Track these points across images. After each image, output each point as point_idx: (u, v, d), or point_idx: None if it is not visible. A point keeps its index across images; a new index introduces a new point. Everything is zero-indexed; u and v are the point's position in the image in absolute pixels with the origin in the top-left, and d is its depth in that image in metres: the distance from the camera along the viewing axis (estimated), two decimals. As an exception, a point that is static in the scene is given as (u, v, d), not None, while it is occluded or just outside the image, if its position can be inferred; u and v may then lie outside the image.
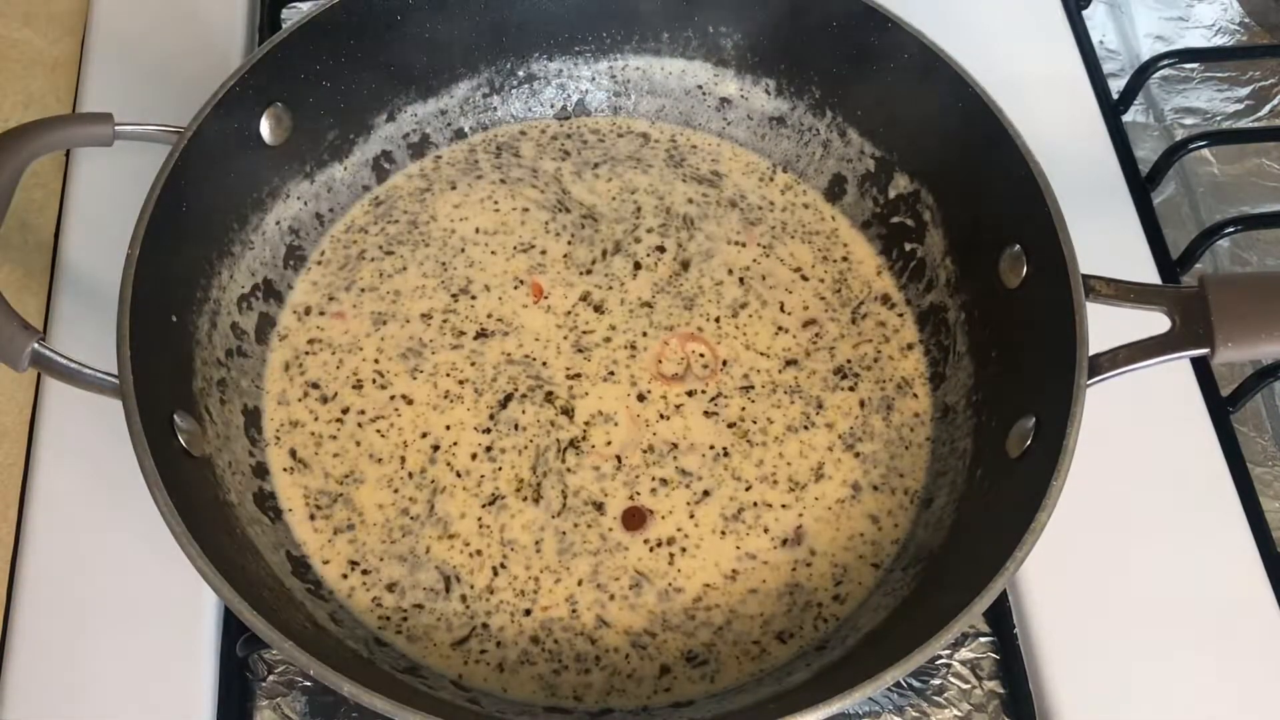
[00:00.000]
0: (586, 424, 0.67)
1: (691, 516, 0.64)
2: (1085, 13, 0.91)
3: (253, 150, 0.67)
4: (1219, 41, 0.93)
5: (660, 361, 0.69)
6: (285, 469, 0.65)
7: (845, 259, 0.74)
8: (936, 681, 0.64)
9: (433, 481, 0.65)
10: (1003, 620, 0.66)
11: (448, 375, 0.68)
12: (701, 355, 0.70)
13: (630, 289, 0.72)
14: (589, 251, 0.73)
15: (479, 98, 0.77)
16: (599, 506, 0.64)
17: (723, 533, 0.64)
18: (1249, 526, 0.68)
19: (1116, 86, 0.87)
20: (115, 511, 0.65)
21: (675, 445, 0.67)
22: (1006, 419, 0.62)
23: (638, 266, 0.73)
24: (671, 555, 0.63)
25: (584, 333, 0.70)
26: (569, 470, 0.65)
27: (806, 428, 0.68)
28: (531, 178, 0.76)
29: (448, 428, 0.67)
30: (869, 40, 0.70)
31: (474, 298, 0.71)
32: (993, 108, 0.65)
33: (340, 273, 0.72)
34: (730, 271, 0.73)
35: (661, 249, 0.74)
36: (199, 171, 0.62)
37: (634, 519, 0.64)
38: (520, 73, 0.77)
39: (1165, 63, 0.86)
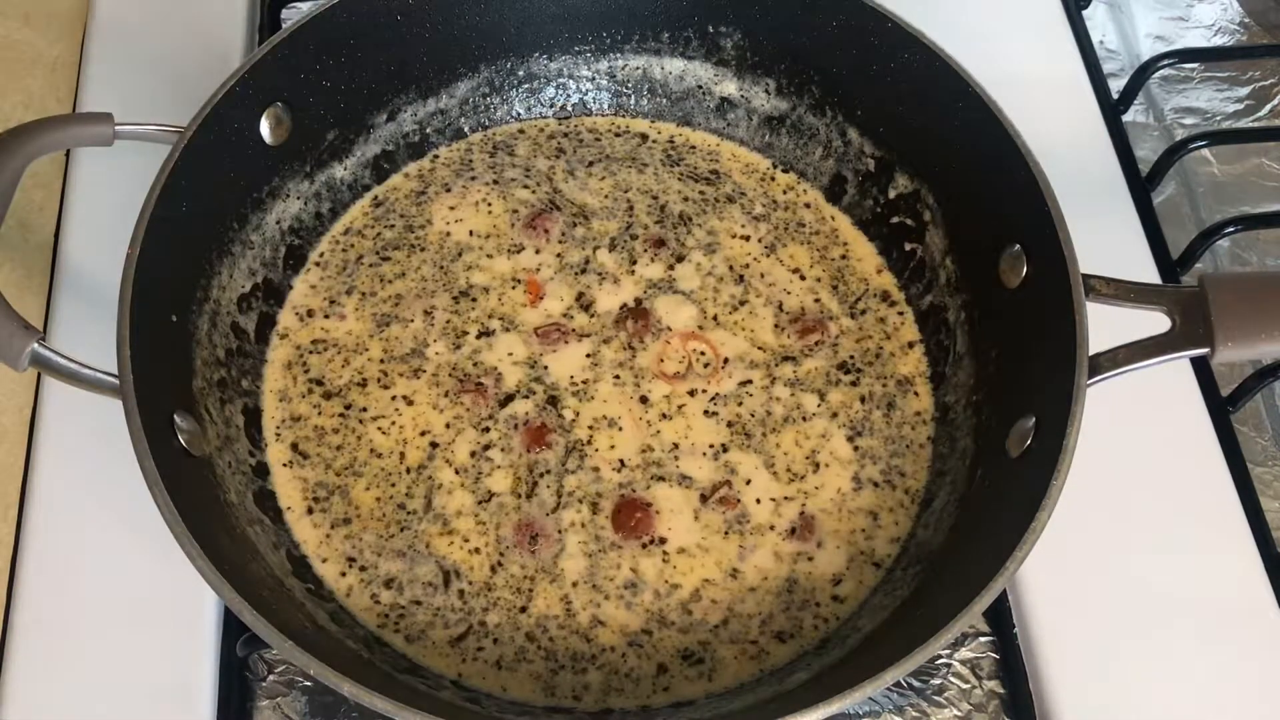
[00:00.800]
0: (590, 427, 0.67)
1: (694, 515, 0.64)
2: (1085, 13, 0.91)
3: (253, 150, 0.67)
4: (1219, 41, 0.93)
5: (662, 360, 0.69)
6: (285, 463, 0.65)
7: (845, 257, 0.74)
8: (936, 681, 0.64)
9: (430, 478, 0.65)
10: (1003, 620, 0.66)
11: (450, 375, 0.68)
12: (702, 354, 0.70)
13: (626, 287, 0.72)
14: (581, 250, 0.73)
15: (479, 98, 0.77)
16: (595, 506, 0.64)
17: (723, 532, 0.64)
18: (1249, 526, 0.68)
19: (1116, 86, 0.87)
20: (115, 511, 0.65)
21: (677, 445, 0.67)
22: (1007, 419, 0.62)
23: (633, 263, 0.73)
24: (667, 554, 0.63)
25: (583, 334, 0.70)
26: (568, 470, 0.65)
27: (806, 418, 0.68)
28: (524, 177, 0.76)
29: (447, 426, 0.67)
30: (869, 40, 0.70)
31: (474, 299, 0.71)
32: (993, 108, 0.65)
33: (340, 275, 0.72)
34: (730, 269, 0.73)
35: (659, 246, 0.74)
36: (199, 171, 0.62)
37: (633, 518, 0.64)
38: (520, 72, 0.77)
39: (1165, 63, 0.86)
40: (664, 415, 0.67)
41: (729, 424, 0.67)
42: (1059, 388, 0.57)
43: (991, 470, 0.62)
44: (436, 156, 0.77)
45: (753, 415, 0.68)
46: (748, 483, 0.66)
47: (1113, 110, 0.85)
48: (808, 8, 0.72)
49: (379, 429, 0.66)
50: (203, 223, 0.65)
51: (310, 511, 0.64)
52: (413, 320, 0.70)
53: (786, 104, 0.76)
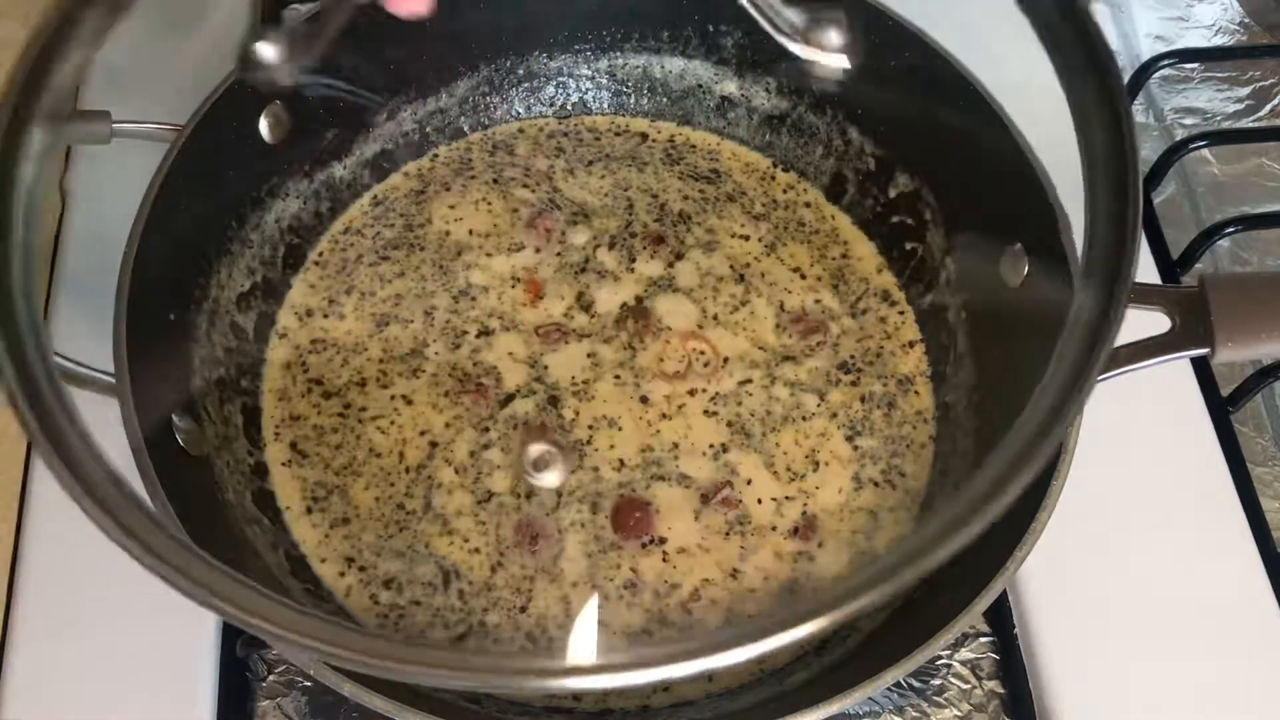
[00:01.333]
0: (590, 427, 0.67)
1: (694, 515, 0.64)
2: (1085, 12, 0.91)
3: (252, 149, 0.67)
4: (1219, 41, 0.93)
5: (661, 360, 0.69)
6: (284, 463, 0.65)
7: (845, 256, 0.74)
8: (936, 681, 0.64)
9: (429, 478, 0.65)
10: (1003, 620, 0.66)
11: (450, 375, 0.68)
12: (702, 353, 0.70)
13: (627, 286, 0.72)
14: (580, 249, 0.73)
15: (478, 97, 0.77)
16: (595, 506, 0.64)
17: (724, 532, 0.64)
18: (1249, 526, 0.68)
19: (1117, 86, 0.87)
20: (115, 511, 0.65)
21: (677, 445, 0.66)
22: (1008, 418, 0.62)
23: (633, 262, 0.73)
24: (666, 554, 0.63)
25: (583, 334, 0.70)
26: (568, 471, 0.65)
27: (806, 418, 0.68)
28: (524, 176, 0.76)
29: (447, 425, 0.67)
30: (869, 39, 0.70)
31: (474, 299, 0.71)
32: (994, 106, 0.65)
33: (339, 275, 0.72)
34: (731, 268, 0.73)
35: (658, 242, 0.74)
36: (197, 170, 0.62)
37: (633, 518, 0.64)
38: (520, 71, 0.77)
39: (1165, 63, 0.86)
40: (664, 415, 0.67)
41: (729, 424, 0.67)
42: (1059, 388, 0.57)
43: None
44: (436, 155, 0.77)
45: (753, 415, 0.68)
46: (748, 483, 0.65)
47: (1113, 110, 0.85)
48: (808, 6, 0.72)
49: (378, 429, 0.66)
50: (201, 222, 0.65)
51: (309, 511, 0.64)
52: (412, 320, 0.70)
53: (787, 103, 0.76)
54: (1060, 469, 0.54)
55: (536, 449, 0.62)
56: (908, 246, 0.72)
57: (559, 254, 0.73)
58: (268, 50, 0.56)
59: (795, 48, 0.54)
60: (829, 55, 0.55)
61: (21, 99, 0.45)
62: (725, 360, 0.69)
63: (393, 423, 0.67)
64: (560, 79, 0.78)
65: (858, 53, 0.56)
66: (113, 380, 0.55)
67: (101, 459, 0.49)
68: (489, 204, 0.75)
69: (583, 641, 0.60)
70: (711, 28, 0.76)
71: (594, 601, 0.61)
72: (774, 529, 0.64)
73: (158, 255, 0.59)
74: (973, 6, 0.88)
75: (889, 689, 0.64)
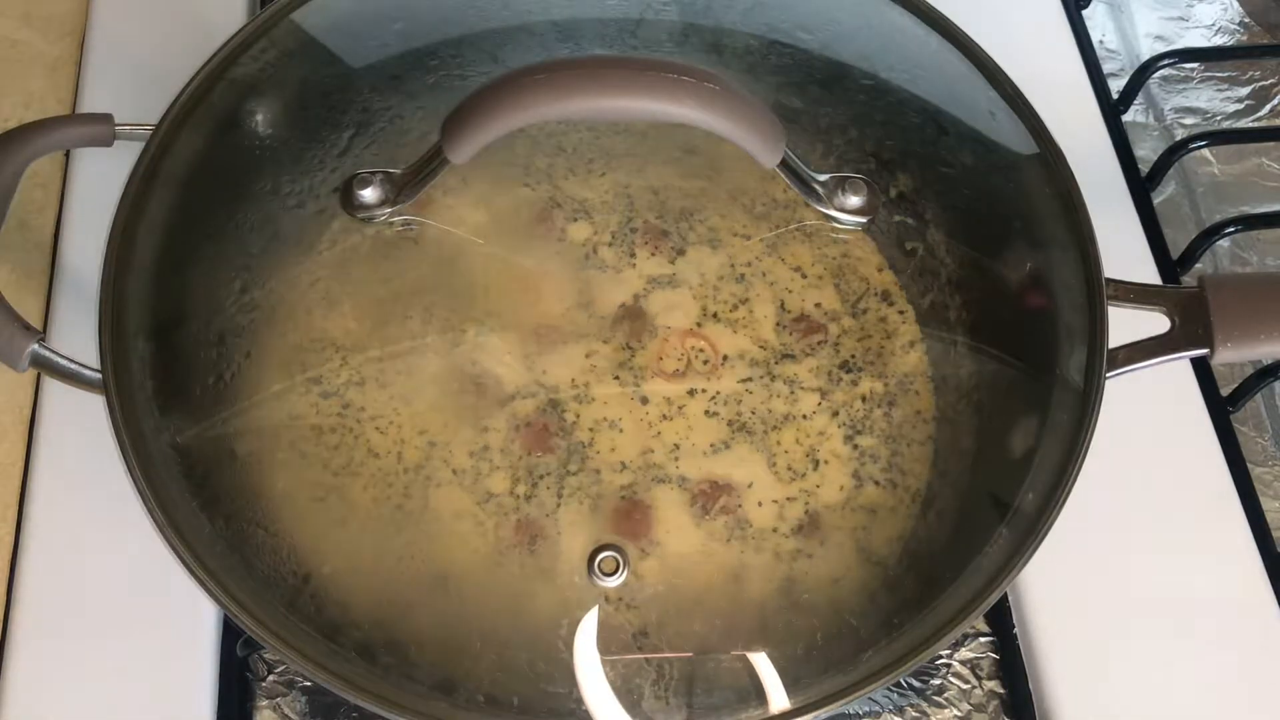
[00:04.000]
0: (590, 429, 0.67)
1: (694, 517, 0.64)
2: (1085, 12, 0.91)
3: (250, 146, 0.67)
4: (1219, 41, 0.93)
5: (661, 359, 0.69)
6: (283, 464, 0.65)
7: (845, 256, 0.74)
8: (936, 681, 0.64)
9: (428, 478, 0.65)
10: (1003, 620, 0.66)
11: (449, 375, 0.68)
12: (702, 352, 0.70)
13: (627, 284, 0.72)
14: (581, 248, 0.73)
15: (478, 97, 0.77)
16: (595, 508, 0.64)
17: (724, 534, 0.64)
18: (1249, 526, 0.69)
19: (1116, 86, 0.87)
20: (115, 511, 0.65)
21: (677, 446, 0.66)
22: (1009, 419, 0.62)
23: (633, 260, 0.73)
24: (666, 557, 0.63)
25: (582, 334, 0.70)
26: (569, 472, 0.65)
27: (807, 417, 0.68)
28: (524, 175, 0.76)
29: (445, 425, 0.67)
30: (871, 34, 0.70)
31: (473, 298, 0.71)
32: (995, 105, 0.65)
33: (339, 273, 0.72)
34: (731, 267, 0.73)
35: (660, 239, 0.74)
36: (182, 168, 0.62)
37: (633, 521, 0.64)
38: (520, 72, 0.77)
39: (1165, 63, 0.86)
40: (664, 416, 0.67)
41: (729, 423, 0.67)
42: (1059, 388, 0.57)
43: (993, 470, 0.62)
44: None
45: (753, 413, 0.68)
46: (749, 485, 0.66)
47: (1113, 110, 0.85)
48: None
49: (377, 428, 0.66)
50: (196, 220, 0.65)
51: (308, 511, 0.64)
52: (411, 319, 0.70)
53: (787, 102, 0.76)
54: (1070, 475, 0.54)
55: (602, 555, 0.62)
56: (908, 246, 0.72)
57: (559, 253, 0.73)
58: (368, 193, 0.67)
59: (821, 207, 0.67)
60: (850, 215, 0.68)
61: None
62: (725, 359, 0.69)
63: (391, 422, 0.67)
64: (560, 79, 0.78)
65: (875, 210, 0.67)
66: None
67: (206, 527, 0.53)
68: (489, 203, 0.75)
69: (582, 645, 0.60)
70: (712, 26, 0.76)
71: (593, 605, 0.62)
72: (775, 530, 0.64)
73: (147, 255, 0.59)
74: (971, 7, 0.88)
75: (889, 689, 0.64)
